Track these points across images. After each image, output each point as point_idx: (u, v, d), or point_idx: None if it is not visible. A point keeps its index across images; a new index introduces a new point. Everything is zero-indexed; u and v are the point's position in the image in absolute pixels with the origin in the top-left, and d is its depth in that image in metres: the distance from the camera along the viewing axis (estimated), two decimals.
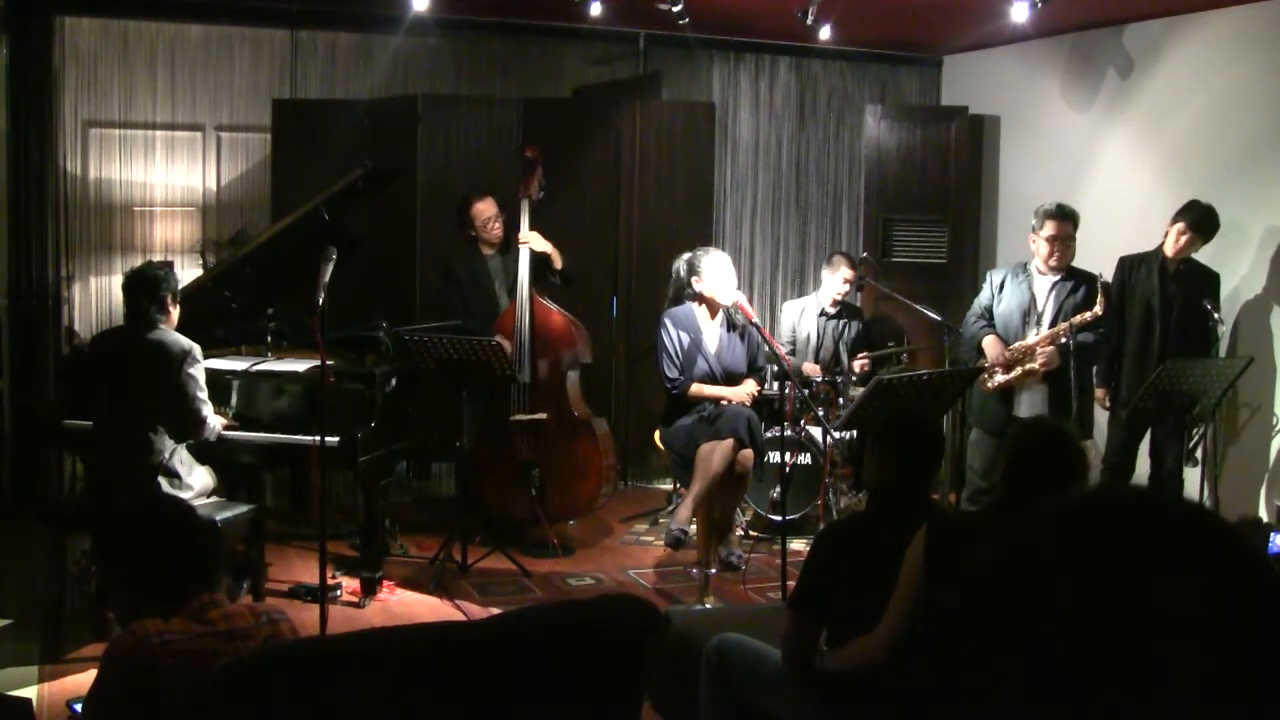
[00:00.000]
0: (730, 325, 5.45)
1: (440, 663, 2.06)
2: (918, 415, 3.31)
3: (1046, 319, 5.34)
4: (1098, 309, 5.12)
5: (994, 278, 5.56)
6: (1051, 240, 5.30)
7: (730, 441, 5.16)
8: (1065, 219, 5.31)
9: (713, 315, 5.47)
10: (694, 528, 5.23)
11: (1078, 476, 2.84)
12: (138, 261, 6.44)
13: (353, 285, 5.24)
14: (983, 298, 5.55)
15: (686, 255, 5.51)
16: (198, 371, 4.38)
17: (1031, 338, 5.31)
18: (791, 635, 2.94)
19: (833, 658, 2.89)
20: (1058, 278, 5.37)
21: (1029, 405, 5.34)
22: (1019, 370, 5.29)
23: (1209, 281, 5.48)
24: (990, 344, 5.37)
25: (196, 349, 4.38)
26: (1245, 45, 5.89)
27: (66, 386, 5.25)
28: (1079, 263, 5.47)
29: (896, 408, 4.38)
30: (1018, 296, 5.41)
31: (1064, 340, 5.16)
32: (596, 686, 2.26)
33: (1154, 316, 5.46)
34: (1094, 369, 5.51)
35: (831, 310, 6.31)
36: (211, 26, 6.74)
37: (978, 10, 6.39)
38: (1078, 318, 5.16)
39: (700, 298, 5.43)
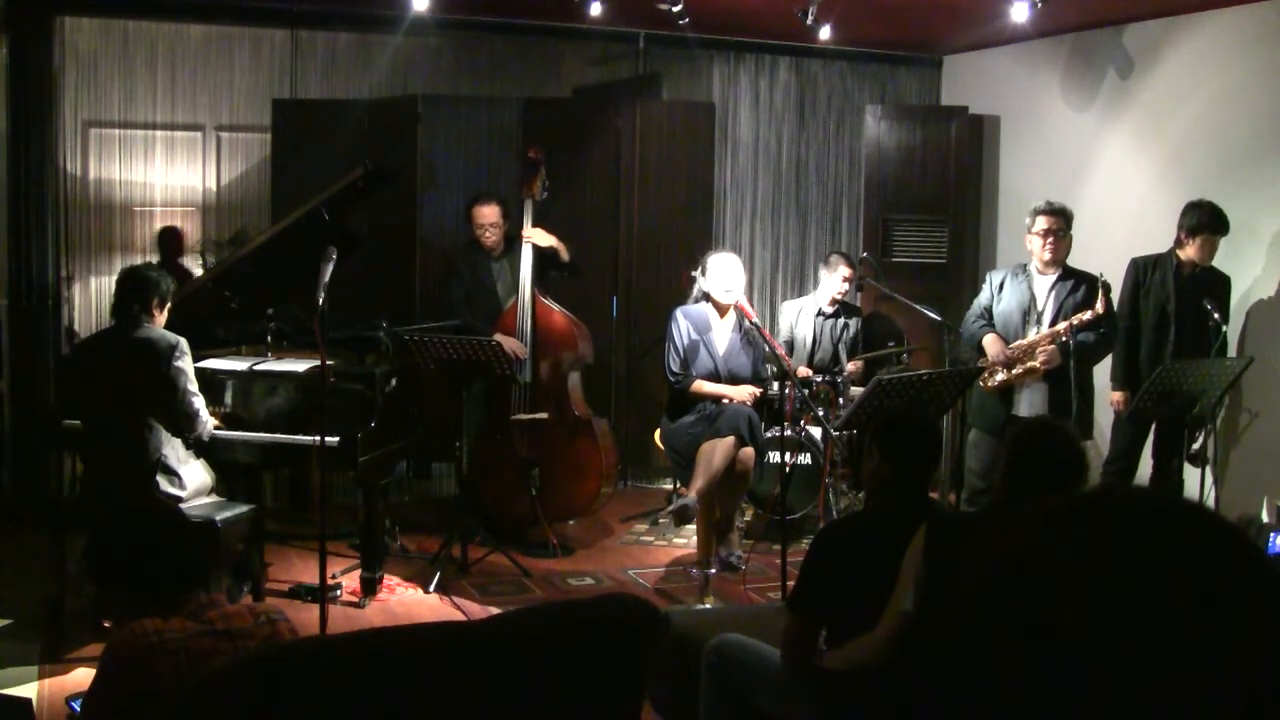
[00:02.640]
0: (741, 331, 5.49)
1: (440, 663, 2.06)
2: (915, 415, 3.31)
3: (1047, 318, 5.35)
4: (1098, 308, 5.13)
5: (994, 278, 5.58)
6: (1044, 234, 5.34)
7: (731, 439, 5.18)
8: (1055, 214, 5.36)
9: (722, 315, 5.51)
10: (694, 526, 5.23)
11: (1077, 477, 2.83)
12: (138, 261, 6.46)
13: (353, 285, 5.24)
14: (982, 298, 5.58)
15: (705, 256, 5.60)
16: (186, 364, 4.38)
17: (1032, 336, 5.32)
18: (790, 635, 2.94)
19: (832, 657, 2.89)
20: (1056, 276, 5.38)
21: (1029, 404, 5.35)
22: (1019, 368, 5.30)
23: (1219, 284, 5.47)
24: (990, 342, 5.39)
25: (183, 342, 4.38)
26: (1245, 45, 5.89)
27: (64, 387, 5.23)
28: (1079, 262, 5.48)
29: (895, 408, 4.38)
30: (1018, 296, 5.42)
31: (1064, 339, 5.17)
32: (596, 686, 2.26)
33: (1168, 320, 5.46)
34: (1094, 369, 5.51)
35: (829, 310, 6.31)
36: (211, 26, 6.74)
37: (978, 10, 6.39)
38: (1077, 317, 5.17)
39: (710, 298, 5.48)
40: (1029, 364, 5.27)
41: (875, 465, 3.03)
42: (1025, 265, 5.48)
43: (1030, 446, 2.88)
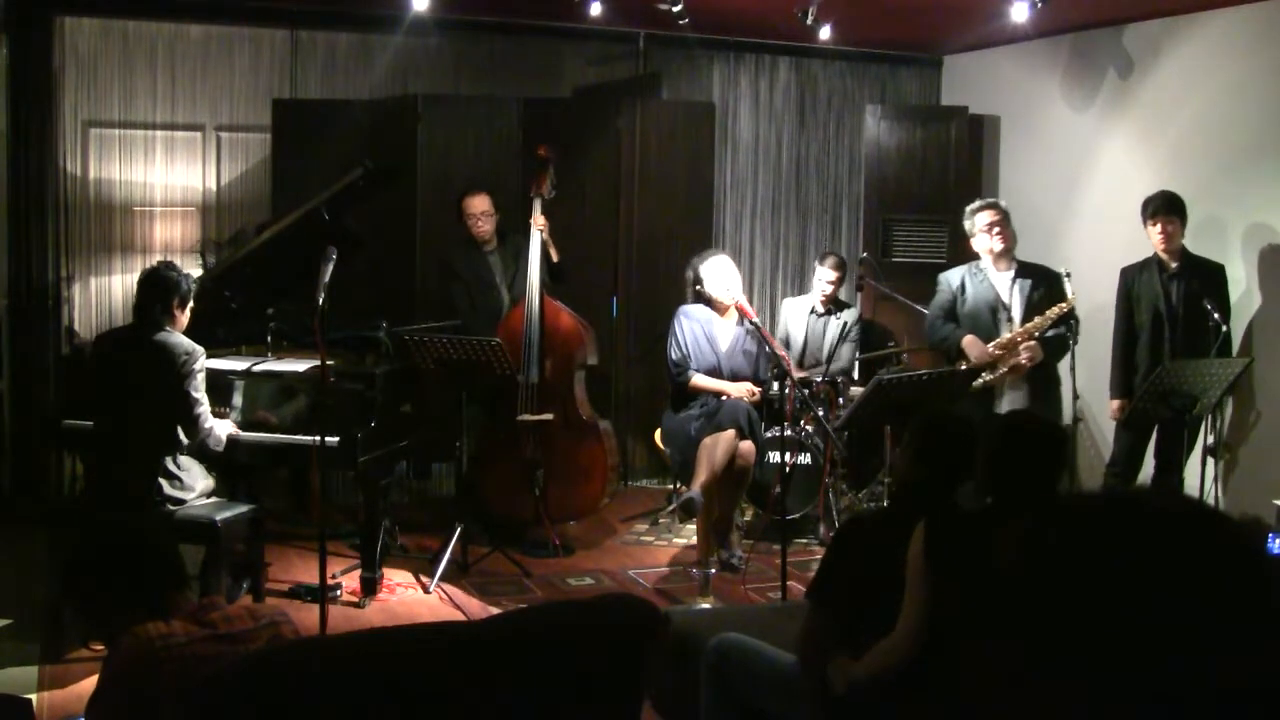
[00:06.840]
0: (743, 331, 5.54)
1: (440, 663, 2.06)
2: (957, 421, 3.09)
3: (1017, 315, 5.36)
4: (1070, 300, 5.16)
5: (951, 279, 5.55)
6: (989, 226, 5.40)
7: (731, 432, 5.21)
8: (992, 207, 5.46)
9: (723, 315, 5.55)
10: (695, 525, 5.24)
11: (1059, 466, 2.85)
12: (138, 261, 6.46)
13: (353, 285, 5.24)
14: (942, 300, 5.52)
15: (693, 261, 5.65)
16: (198, 373, 4.38)
17: (1005, 334, 5.32)
18: (809, 628, 2.88)
19: (862, 666, 2.78)
20: (1015, 272, 5.42)
21: (1011, 405, 5.30)
22: (1003, 368, 5.28)
23: (1213, 276, 5.44)
24: (971, 344, 5.33)
25: (200, 351, 4.38)
26: (1245, 45, 5.89)
27: (66, 386, 5.22)
28: (1082, 261, 5.49)
29: (939, 410, 4.15)
30: (983, 294, 5.43)
31: (1039, 335, 5.20)
32: (596, 686, 2.26)
33: (1163, 322, 5.44)
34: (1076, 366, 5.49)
35: (822, 309, 6.34)
36: (211, 26, 6.73)
37: (978, 10, 6.38)
38: (1051, 310, 5.19)
39: (710, 301, 5.52)
40: (1012, 362, 5.26)
41: (908, 463, 2.99)
42: (977, 263, 5.50)
43: (1013, 437, 2.88)
